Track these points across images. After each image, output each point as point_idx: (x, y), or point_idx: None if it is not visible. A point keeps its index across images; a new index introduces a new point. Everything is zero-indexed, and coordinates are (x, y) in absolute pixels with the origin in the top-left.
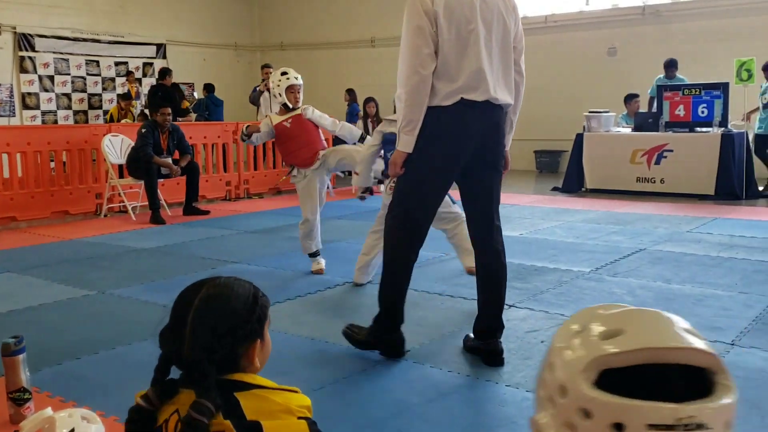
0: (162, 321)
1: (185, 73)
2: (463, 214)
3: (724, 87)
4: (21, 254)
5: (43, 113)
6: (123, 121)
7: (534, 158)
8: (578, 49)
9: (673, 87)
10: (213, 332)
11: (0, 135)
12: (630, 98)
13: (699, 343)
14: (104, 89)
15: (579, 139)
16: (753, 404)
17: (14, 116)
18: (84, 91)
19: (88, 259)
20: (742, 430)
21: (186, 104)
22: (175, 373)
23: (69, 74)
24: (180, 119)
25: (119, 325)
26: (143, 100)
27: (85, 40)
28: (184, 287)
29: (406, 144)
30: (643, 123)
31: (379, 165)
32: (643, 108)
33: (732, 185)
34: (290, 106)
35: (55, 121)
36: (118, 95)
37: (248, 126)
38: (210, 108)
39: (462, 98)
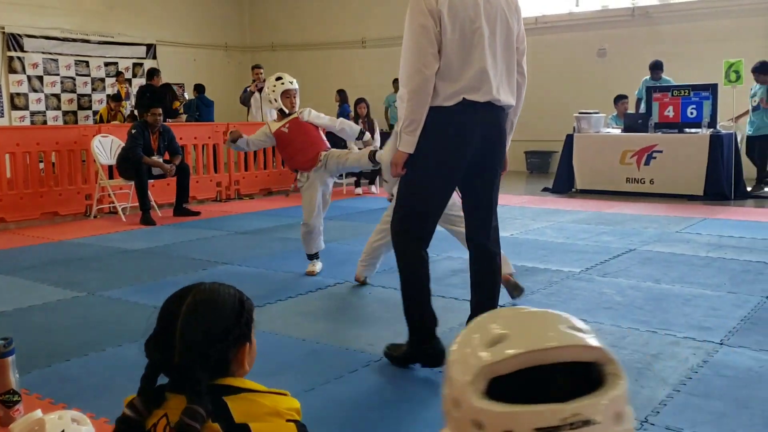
0: (147, 330)
1: (175, 73)
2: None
3: (712, 88)
4: (10, 255)
5: (32, 114)
6: (112, 122)
7: (524, 159)
8: (568, 51)
9: (663, 88)
10: (204, 338)
11: None
12: (618, 99)
13: (582, 339)
14: (94, 90)
15: (569, 139)
16: (741, 403)
17: (2, 117)
18: (73, 91)
19: (78, 261)
20: (730, 429)
21: (177, 104)
22: (161, 378)
23: (58, 74)
24: (170, 120)
25: (109, 327)
26: (133, 100)
27: (74, 40)
28: (169, 295)
29: (407, 144)
30: (633, 124)
31: None
32: (631, 109)
33: (721, 186)
34: (287, 111)
35: (44, 122)
36: (108, 96)
37: (231, 132)
38: (200, 108)
39: (464, 98)
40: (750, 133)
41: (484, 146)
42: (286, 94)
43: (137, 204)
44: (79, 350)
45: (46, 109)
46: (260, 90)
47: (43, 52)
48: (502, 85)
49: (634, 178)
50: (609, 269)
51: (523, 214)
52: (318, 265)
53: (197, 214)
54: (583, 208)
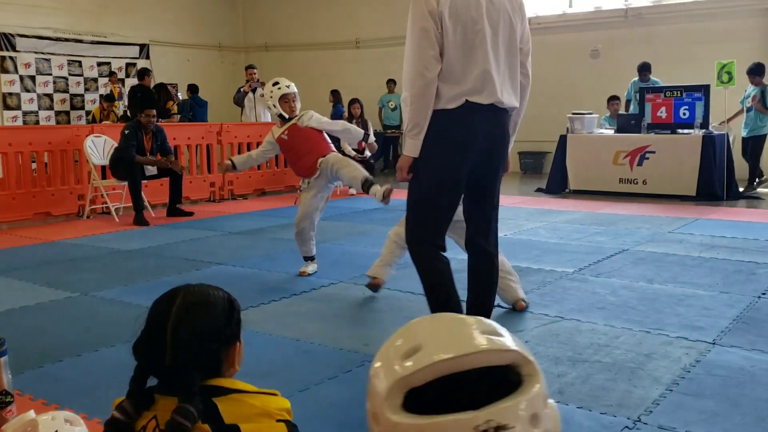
0: (135, 333)
1: (169, 73)
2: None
3: (705, 89)
4: (2, 256)
5: (25, 114)
6: (105, 122)
7: (518, 159)
8: (561, 51)
9: (655, 89)
10: (196, 339)
11: None
12: (610, 100)
13: (495, 344)
14: (86, 90)
15: (562, 140)
16: (734, 402)
17: None
18: (66, 91)
19: (71, 261)
20: (723, 428)
21: (170, 104)
22: (150, 381)
23: (51, 74)
24: (162, 120)
25: (102, 327)
26: (126, 100)
27: (67, 40)
28: (156, 297)
29: (411, 148)
30: (626, 124)
31: None
32: (620, 110)
33: (713, 186)
34: (286, 116)
35: (37, 122)
36: (101, 96)
37: (224, 165)
38: (194, 109)
39: (467, 101)
40: (744, 134)
41: (487, 149)
42: (284, 99)
43: (130, 204)
44: (72, 351)
45: (39, 109)
46: (254, 90)
47: (35, 52)
48: (505, 86)
49: (627, 179)
50: (602, 269)
51: (516, 214)
52: (311, 267)
53: (191, 214)
54: (577, 208)
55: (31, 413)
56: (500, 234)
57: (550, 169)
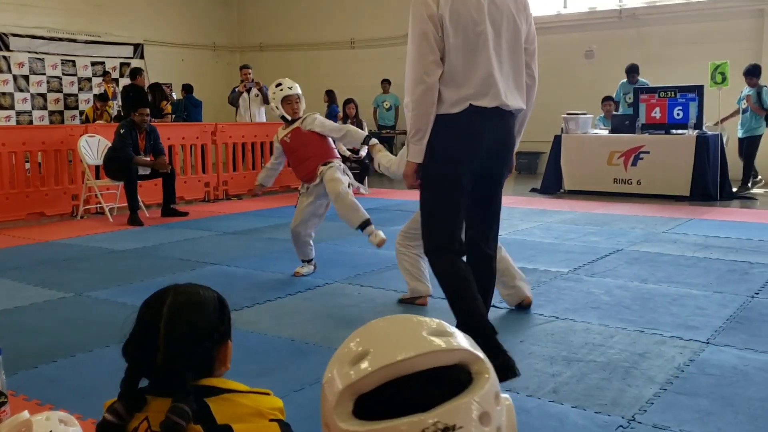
0: (124, 335)
1: (163, 73)
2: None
3: (699, 90)
4: None
5: (18, 113)
6: (99, 121)
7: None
8: (556, 52)
9: (650, 89)
10: (190, 338)
11: None
12: (604, 100)
13: (441, 344)
14: (80, 89)
15: (557, 140)
16: (727, 401)
17: None
18: (60, 91)
19: (64, 261)
20: (716, 427)
21: (164, 104)
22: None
23: (44, 74)
24: (155, 120)
25: (96, 328)
26: (120, 100)
27: (60, 39)
28: (145, 299)
29: (415, 154)
30: (620, 125)
31: None
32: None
33: (707, 186)
34: (289, 118)
35: (30, 122)
36: (95, 95)
37: (255, 188)
38: (188, 109)
39: (471, 105)
40: (740, 135)
41: (492, 152)
42: (287, 101)
43: (124, 204)
44: (66, 351)
45: (32, 108)
46: (248, 90)
47: (29, 52)
48: (509, 88)
49: (622, 179)
50: (597, 269)
51: (511, 214)
52: (306, 269)
53: (185, 214)
54: (571, 208)
55: (26, 414)
56: None
57: (544, 169)
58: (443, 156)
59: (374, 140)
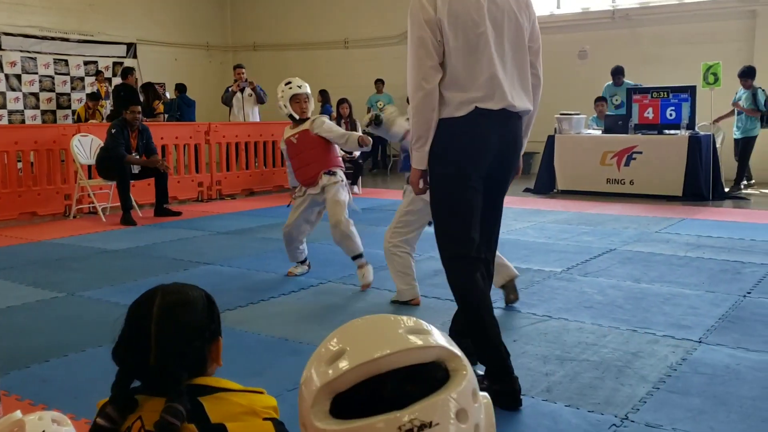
0: (113, 338)
1: (156, 73)
2: None
3: (691, 90)
4: None
5: (10, 113)
6: (91, 120)
7: None
8: (549, 52)
9: (643, 90)
10: (182, 338)
11: None
12: (597, 101)
13: (417, 341)
14: (73, 89)
15: (550, 140)
16: (720, 400)
17: None
18: (52, 90)
19: (57, 261)
20: (708, 426)
21: (156, 103)
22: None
23: (37, 73)
24: (148, 119)
25: (88, 328)
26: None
27: (53, 38)
28: (133, 301)
29: (418, 161)
30: (613, 125)
31: None
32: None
33: (699, 187)
34: (297, 117)
35: (23, 121)
36: (87, 95)
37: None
38: (182, 108)
39: (476, 107)
40: (737, 136)
41: (498, 156)
42: (295, 99)
43: (117, 204)
44: (58, 351)
45: (25, 108)
46: (242, 90)
47: (21, 51)
48: (515, 89)
49: (615, 179)
50: (590, 269)
51: (504, 214)
52: (300, 269)
53: (178, 214)
54: (565, 208)
55: (18, 413)
56: None
57: (538, 169)
58: (450, 159)
59: (360, 132)
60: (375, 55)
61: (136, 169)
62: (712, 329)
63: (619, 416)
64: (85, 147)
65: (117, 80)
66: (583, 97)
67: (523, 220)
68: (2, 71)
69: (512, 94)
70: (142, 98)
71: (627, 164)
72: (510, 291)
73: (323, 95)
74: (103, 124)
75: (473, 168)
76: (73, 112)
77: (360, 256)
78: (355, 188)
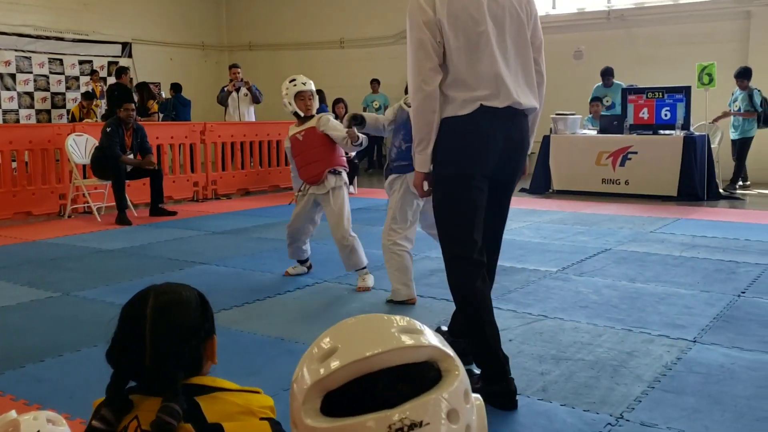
0: (107, 340)
1: (152, 72)
2: None
3: (686, 91)
4: None
5: (4, 112)
6: (85, 120)
7: None
8: (545, 52)
9: (638, 90)
10: (176, 338)
11: None
12: (592, 101)
13: (408, 341)
14: (68, 88)
15: (546, 141)
16: (714, 399)
17: None
18: (47, 90)
19: (52, 261)
20: (703, 425)
21: (151, 103)
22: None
23: (31, 72)
24: (141, 119)
25: (84, 327)
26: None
27: (48, 37)
28: (126, 302)
29: (420, 163)
30: (608, 125)
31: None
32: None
33: (694, 187)
34: (301, 114)
35: (17, 121)
36: (82, 94)
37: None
38: (177, 108)
39: (482, 105)
40: (734, 136)
41: (504, 155)
42: (300, 96)
43: (112, 204)
44: (53, 351)
45: (19, 107)
46: (238, 90)
47: (15, 50)
48: (520, 87)
49: (610, 179)
50: (585, 269)
51: None
52: (298, 269)
53: (174, 214)
54: (560, 208)
55: (13, 413)
56: None
57: (533, 169)
58: (453, 158)
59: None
60: (371, 55)
61: (128, 168)
62: (707, 329)
63: (615, 415)
64: (80, 146)
65: (112, 80)
66: (578, 98)
67: (519, 220)
68: None
69: (517, 92)
70: (136, 98)
71: (622, 164)
72: None
73: (319, 95)
74: (97, 124)
75: (477, 168)
76: (68, 111)
77: (363, 268)
78: (351, 188)
